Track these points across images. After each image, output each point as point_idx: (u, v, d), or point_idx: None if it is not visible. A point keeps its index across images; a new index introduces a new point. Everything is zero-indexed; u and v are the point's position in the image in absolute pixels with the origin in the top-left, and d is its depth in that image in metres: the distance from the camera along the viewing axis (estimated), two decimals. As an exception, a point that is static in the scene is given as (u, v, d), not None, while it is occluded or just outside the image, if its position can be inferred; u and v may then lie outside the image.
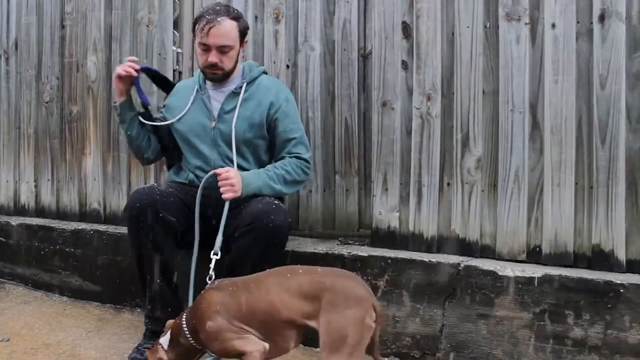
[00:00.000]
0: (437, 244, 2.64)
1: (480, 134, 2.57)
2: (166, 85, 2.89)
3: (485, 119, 2.56)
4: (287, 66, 3.05)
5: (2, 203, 3.89)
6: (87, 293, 3.29)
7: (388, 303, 2.54)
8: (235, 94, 2.65)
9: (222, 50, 2.58)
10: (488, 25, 2.55)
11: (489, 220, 2.55)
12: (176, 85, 2.91)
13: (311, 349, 2.54)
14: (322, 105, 2.99)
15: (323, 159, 2.99)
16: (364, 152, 2.93)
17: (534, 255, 2.46)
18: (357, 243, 2.83)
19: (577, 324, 2.25)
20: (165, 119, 2.75)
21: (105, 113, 3.49)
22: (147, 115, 2.76)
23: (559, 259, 2.42)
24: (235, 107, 2.62)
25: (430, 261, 2.50)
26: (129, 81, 2.68)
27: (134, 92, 2.73)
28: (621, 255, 2.33)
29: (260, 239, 2.35)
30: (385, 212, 2.74)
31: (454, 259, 2.51)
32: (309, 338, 2.18)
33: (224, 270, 2.35)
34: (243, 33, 2.64)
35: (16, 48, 3.81)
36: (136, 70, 2.66)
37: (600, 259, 2.36)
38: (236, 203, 2.42)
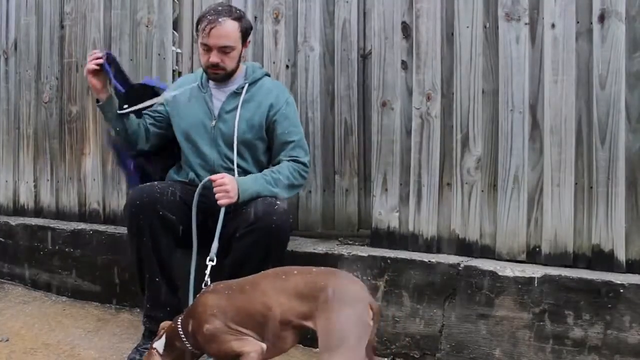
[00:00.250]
0: (437, 244, 2.64)
1: (480, 134, 2.57)
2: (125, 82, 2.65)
3: (485, 119, 2.56)
4: (287, 66, 3.05)
5: (1, 203, 3.89)
6: (87, 293, 3.28)
7: (388, 303, 2.54)
8: (236, 94, 2.65)
9: (224, 50, 2.57)
10: (488, 26, 2.55)
11: (488, 220, 2.55)
12: (177, 81, 2.91)
13: (310, 349, 2.54)
14: (321, 106, 2.99)
15: (323, 159, 2.99)
16: (364, 152, 2.92)
17: (533, 255, 2.46)
18: (356, 243, 2.83)
19: (576, 324, 2.25)
20: (166, 113, 2.74)
21: (105, 113, 3.49)
22: (122, 105, 2.58)
23: (558, 259, 2.42)
24: (236, 107, 2.62)
25: (430, 261, 2.50)
26: (102, 74, 2.53)
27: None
28: (621, 255, 2.33)
29: (262, 239, 2.35)
30: (385, 212, 2.73)
31: (453, 259, 2.51)
32: (308, 338, 2.18)
33: (225, 270, 2.36)
34: (245, 33, 2.62)
35: (15, 48, 3.81)
36: (101, 58, 2.51)
37: (600, 259, 2.35)
38: (235, 206, 2.43)
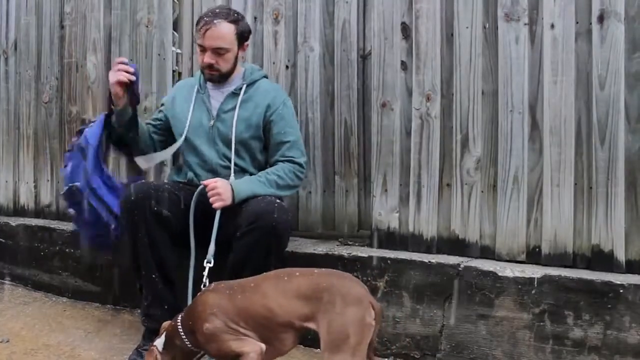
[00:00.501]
0: (437, 245, 2.64)
1: (480, 134, 2.57)
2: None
3: (485, 119, 2.56)
4: (287, 67, 3.05)
5: (1, 204, 3.89)
6: (87, 294, 3.29)
7: (388, 304, 2.54)
8: (234, 94, 2.68)
9: (218, 52, 2.61)
10: (487, 26, 2.55)
11: (488, 220, 2.55)
12: (176, 85, 2.93)
13: (311, 349, 2.54)
14: (321, 106, 2.99)
15: (322, 159, 2.99)
16: (364, 153, 2.93)
17: (533, 255, 2.47)
18: (356, 244, 2.83)
19: (576, 325, 2.25)
20: (166, 118, 2.78)
21: (105, 114, 3.49)
22: (135, 115, 2.63)
23: (558, 259, 2.42)
24: (234, 107, 2.65)
25: (430, 262, 2.51)
26: (124, 84, 2.56)
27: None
28: (621, 255, 2.33)
29: (262, 238, 2.36)
30: (384, 212, 2.74)
31: (453, 259, 2.52)
32: (309, 338, 2.19)
33: (227, 270, 2.37)
34: (242, 36, 2.65)
35: (15, 48, 3.81)
36: (132, 73, 2.55)
37: (600, 259, 2.36)
38: (232, 208, 2.44)
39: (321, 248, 2.74)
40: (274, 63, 3.08)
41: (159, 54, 3.33)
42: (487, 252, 2.55)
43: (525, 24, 2.48)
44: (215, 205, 2.41)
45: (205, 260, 2.27)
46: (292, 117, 2.71)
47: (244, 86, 2.67)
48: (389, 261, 2.57)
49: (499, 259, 2.51)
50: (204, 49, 2.62)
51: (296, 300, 1.95)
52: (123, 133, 2.62)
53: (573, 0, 2.39)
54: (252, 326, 1.98)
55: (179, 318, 2.08)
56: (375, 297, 2.48)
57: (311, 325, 1.94)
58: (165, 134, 2.79)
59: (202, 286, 2.19)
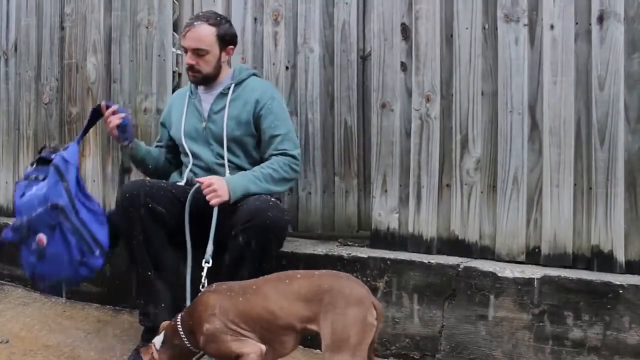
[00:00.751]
0: (437, 245, 2.64)
1: (480, 135, 2.57)
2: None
3: (484, 120, 2.57)
4: (287, 68, 3.06)
5: (0, 204, 3.89)
6: (87, 294, 3.28)
7: (387, 304, 2.54)
8: (223, 95, 2.72)
9: (198, 53, 2.66)
10: (487, 27, 2.56)
11: (488, 221, 2.55)
12: (169, 99, 2.99)
13: (311, 350, 2.54)
14: (321, 107, 2.99)
15: (322, 160, 2.99)
16: (363, 154, 2.93)
17: (533, 256, 2.47)
18: (356, 244, 2.83)
19: (576, 325, 2.25)
20: (169, 134, 2.86)
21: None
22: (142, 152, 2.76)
23: (558, 260, 2.42)
24: (223, 107, 2.69)
25: (429, 262, 2.51)
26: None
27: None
28: (620, 256, 2.33)
29: (257, 237, 2.36)
30: (384, 213, 2.74)
31: (453, 260, 2.52)
32: (309, 339, 2.19)
33: (223, 269, 2.37)
34: (223, 39, 2.69)
35: (15, 49, 3.81)
36: (123, 115, 2.58)
37: (600, 260, 2.36)
38: (229, 206, 2.44)
39: (321, 249, 2.74)
40: (273, 64, 3.08)
41: (159, 55, 3.34)
42: (487, 253, 2.55)
43: (524, 25, 2.48)
44: (212, 202, 2.41)
45: (204, 261, 2.27)
46: (282, 111, 2.72)
47: (232, 85, 2.71)
48: (388, 262, 2.57)
49: (499, 259, 2.51)
50: (185, 50, 2.70)
51: (297, 302, 1.95)
52: (141, 166, 2.80)
53: (572, 1, 2.40)
54: (252, 328, 1.98)
55: (179, 318, 2.08)
56: (375, 298, 2.49)
57: (313, 327, 1.94)
58: (175, 149, 2.86)
59: (200, 287, 2.19)
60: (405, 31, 2.71)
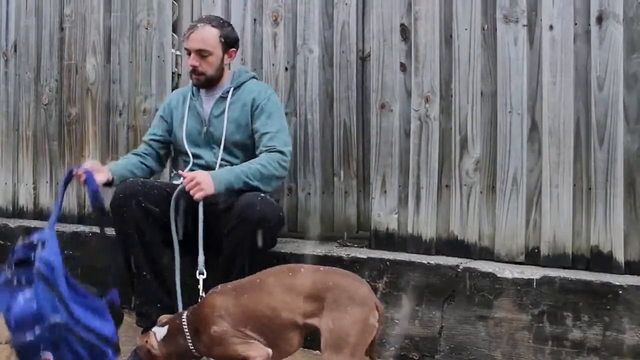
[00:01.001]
0: (436, 246, 2.64)
1: (479, 135, 2.57)
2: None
3: (484, 120, 2.56)
4: (286, 68, 3.06)
5: (0, 205, 3.88)
6: (86, 295, 3.28)
7: (387, 305, 2.54)
8: (223, 98, 2.73)
9: (201, 54, 2.66)
10: (486, 27, 2.56)
11: (487, 222, 2.55)
12: (169, 96, 2.98)
13: (310, 350, 2.54)
14: (320, 108, 2.99)
15: (322, 161, 2.98)
16: (363, 154, 2.92)
17: (532, 256, 2.47)
18: (356, 245, 2.83)
19: (575, 326, 2.25)
20: (166, 130, 2.83)
21: (104, 115, 3.49)
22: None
23: (557, 260, 2.42)
24: (223, 111, 2.70)
25: (429, 263, 2.50)
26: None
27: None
28: (620, 256, 2.33)
29: (248, 232, 2.38)
30: (384, 214, 2.74)
31: (452, 260, 2.51)
32: (309, 340, 2.18)
33: (219, 268, 2.39)
34: (226, 42, 2.70)
35: (15, 50, 3.81)
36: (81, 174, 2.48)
37: (599, 260, 2.36)
38: (223, 207, 2.46)
39: (320, 249, 2.74)
40: (273, 65, 3.08)
41: (158, 56, 3.34)
42: (486, 253, 2.55)
43: (524, 26, 2.48)
44: (196, 196, 2.39)
45: (198, 272, 2.27)
46: (276, 110, 2.71)
47: (231, 89, 2.72)
48: (388, 262, 2.57)
49: (498, 260, 2.51)
50: (188, 52, 2.70)
51: (301, 297, 1.95)
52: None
53: (571, 1, 2.40)
54: (258, 328, 1.98)
55: (184, 317, 2.07)
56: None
57: (314, 321, 1.94)
58: (170, 143, 2.86)
59: (198, 299, 2.16)
60: (405, 32, 2.71)
